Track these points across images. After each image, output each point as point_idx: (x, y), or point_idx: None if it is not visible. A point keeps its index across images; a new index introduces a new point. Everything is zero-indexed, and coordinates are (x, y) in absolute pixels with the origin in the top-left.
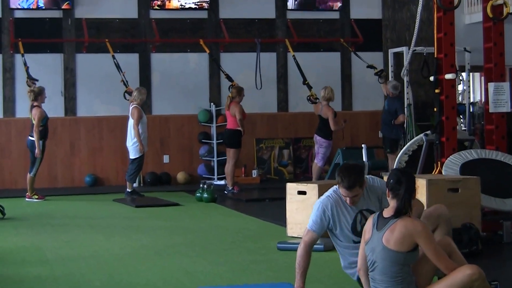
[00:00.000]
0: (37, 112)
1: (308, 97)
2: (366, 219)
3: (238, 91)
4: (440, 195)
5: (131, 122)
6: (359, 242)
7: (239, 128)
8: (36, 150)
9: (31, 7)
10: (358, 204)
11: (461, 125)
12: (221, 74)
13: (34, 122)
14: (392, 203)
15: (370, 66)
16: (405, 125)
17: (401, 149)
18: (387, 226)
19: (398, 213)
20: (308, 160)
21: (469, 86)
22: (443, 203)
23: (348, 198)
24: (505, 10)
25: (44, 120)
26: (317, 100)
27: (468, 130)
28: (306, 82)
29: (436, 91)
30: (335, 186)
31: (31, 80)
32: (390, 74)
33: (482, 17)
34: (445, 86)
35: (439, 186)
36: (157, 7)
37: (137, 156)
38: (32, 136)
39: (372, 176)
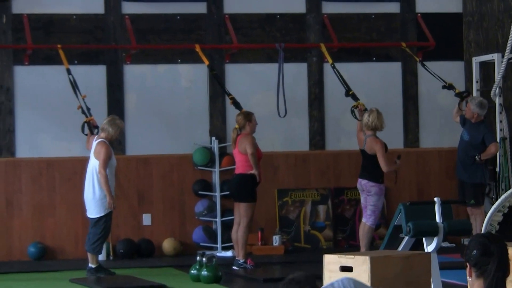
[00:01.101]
0: None
1: (353, 108)
2: None
3: (245, 118)
4: None
5: (93, 164)
6: None
7: (253, 172)
8: None
9: None
10: None
11: None
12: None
13: None
14: (477, 285)
15: (448, 87)
16: (497, 168)
17: (491, 202)
18: None
19: None
20: (355, 220)
21: None
22: None
23: None
24: None
25: None
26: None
27: None
28: (351, 93)
29: None
30: None
31: None
32: (475, 93)
33: None
34: None
35: None
36: None
37: (103, 214)
38: None
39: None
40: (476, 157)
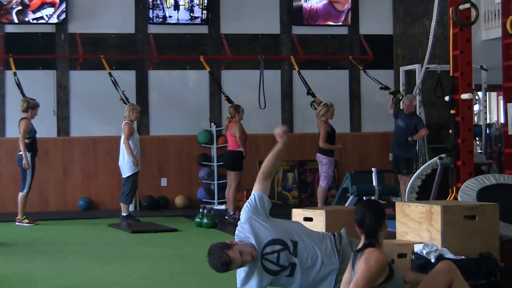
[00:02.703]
0: (23, 123)
1: (312, 102)
2: (275, 253)
3: (235, 109)
4: (456, 223)
5: (122, 138)
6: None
7: (240, 149)
8: (24, 161)
9: (22, 21)
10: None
11: (477, 147)
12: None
13: (20, 134)
14: (362, 239)
15: (384, 88)
16: (417, 147)
17: (414, 172)
18: (356, 263)
19: (364, 247)
20: (315, 184)
21: (485, 107)
22: (459, 231)
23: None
24: None
25: (32, 132)
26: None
27: (484, 153)
28: (311, 92)
29: (452, 112)
30: None
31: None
32: (402, 93)
33: (501, 33)
34: (461, 107)
35: (455, 213)
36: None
37: (130, 174)
38: (20, 151)
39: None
40: (409, 138)
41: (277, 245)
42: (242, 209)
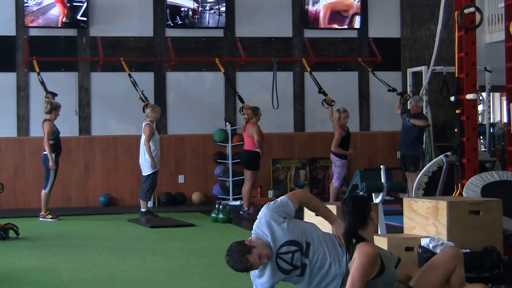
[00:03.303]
0: (46, 125)
1: (324, 101)
2: (289, 253)
3: (253, 111)
4: (461, 218)
5: (143, 139)
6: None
7: (257, 150)
8: (50, 162)
9: (46, 25)
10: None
11: (481, 146)
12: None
13: (44, 135)
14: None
15: (392, 89)
16: (423, 145)
17: (421, 170)
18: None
19: (348, 243)
20: (325, 180)
21: (489, 107)
22: (464, 226)
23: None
24: None
25: (55, 133)
26: (333, 103)
27: (488, 151)
28: (322, 90)
29: (457, 111)
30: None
31: (51, 94)
32: (409, 94)
33: (504, 36)
34: (466, 107)
35: (460, 209)
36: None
37: (150, 173)
38: (45, 151)
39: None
40: (407, 118)
41: (292, 246)
42: (264, 207)
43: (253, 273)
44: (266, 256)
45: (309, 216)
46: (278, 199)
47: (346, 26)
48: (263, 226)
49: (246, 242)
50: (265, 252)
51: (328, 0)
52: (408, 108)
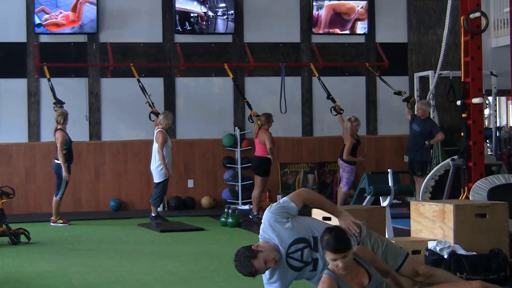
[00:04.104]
0: (59, 135)
1: (331, 108)
2: (298, 251)
3: (266, 118)
4: (467, 221)
5: (155, 146)
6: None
7: (268, 156)
8: (64, 173)
9: (56, 32)
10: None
11: (488, 149)
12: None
13: (57, 145)
14: None
15: (398, 93)
16: (431, 149)
17: (428, 174)
18: None
19: None
20: (333, 185)
21: (495, 110)
22: (470, 229)
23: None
24: None
25: (68, 143)
26: (342, 111)
27: (494, 155)
28: (330, 97)
29: (463, 115)
30: None
31: (59, 103)
32: (416, 99)
33: (509, 41)
34: (472, 111)
35: (467, 212)
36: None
37: (162, 180)
38: (58, 160)
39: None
40: (426, 142)
41: (300, 244)
42: (266, 211)
43: (265, 277)
44: (273, 260)
45: (315, 215)
46: (280, 200)
47: (348, 32)
48: (268, 229)
49: (253, 247)
50: (272, 256)
51: (330, 2)
52: (415, 112)
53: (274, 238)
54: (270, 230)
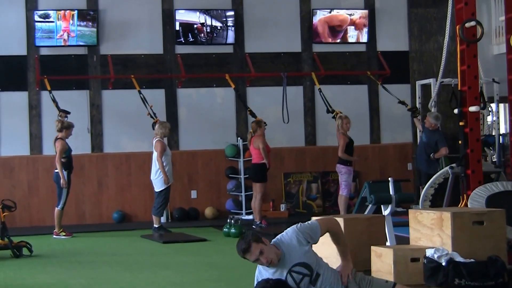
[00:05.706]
0: (59, 144)
1: (334, 116)
2: (300, 275)
3: (257, 124)
4: (465, 228)
5: (155, 155)
6: None
7: (264, 161)
8: (61, 180)
9: (56, 44)
10: (282, 264)
11: (492, 157)
12: None
13: (56, 153)
14: None
15: (402, 103)
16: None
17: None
18: None
19: None
20: (337, 194)
21: (498, 117)
22: (468, 236)
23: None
24: None
25: (67, 152)
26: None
27: (498, 162)
28: (331, 110)
29: (461, 123)
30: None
31: (64, 112)
32: (418, 106)
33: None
34: (469, 119)
35: (464, 219)
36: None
37: (163, 189)
38: (57, 169)
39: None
40: (431, 155)
41: (305, 269)
42: (294, 226)
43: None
44: (267, 259)
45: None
46: (310, 222)
47: (339, 40)
48: (286, 240)
49: (262, 238)
50: (270, 257)
51: (322, 15)
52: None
53: (284, 250)
54: (287, 241)
